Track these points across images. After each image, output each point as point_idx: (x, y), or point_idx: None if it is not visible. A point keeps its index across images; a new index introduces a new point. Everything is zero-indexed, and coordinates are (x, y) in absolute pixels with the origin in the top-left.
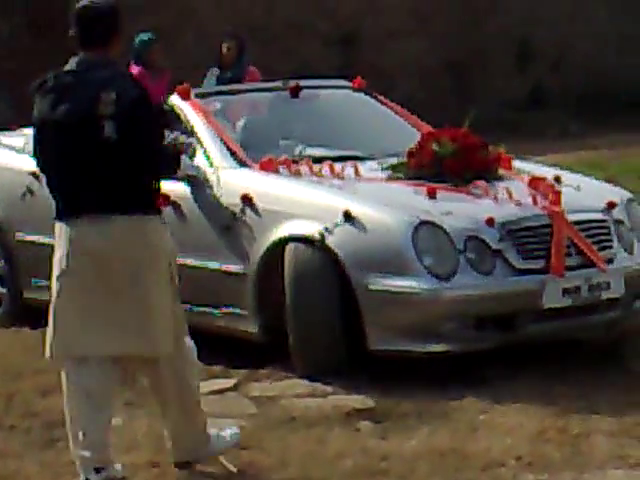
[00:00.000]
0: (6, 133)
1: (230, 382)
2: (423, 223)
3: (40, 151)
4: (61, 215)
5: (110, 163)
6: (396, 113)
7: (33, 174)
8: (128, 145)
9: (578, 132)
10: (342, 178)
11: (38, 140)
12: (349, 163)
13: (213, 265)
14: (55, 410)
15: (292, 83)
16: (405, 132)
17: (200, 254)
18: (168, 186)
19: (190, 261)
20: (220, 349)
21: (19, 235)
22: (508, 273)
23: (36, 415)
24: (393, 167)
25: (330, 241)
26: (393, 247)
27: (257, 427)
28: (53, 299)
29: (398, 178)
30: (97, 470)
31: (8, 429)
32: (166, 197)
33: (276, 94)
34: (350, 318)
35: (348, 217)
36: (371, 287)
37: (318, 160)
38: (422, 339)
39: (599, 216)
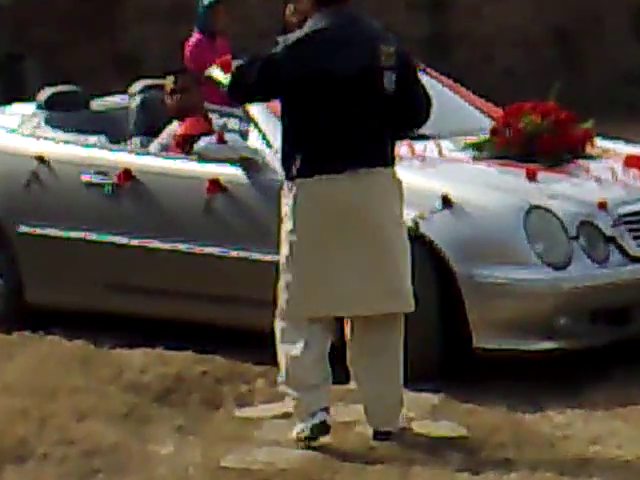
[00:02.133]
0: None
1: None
2: (534, 208)
3: (298, 106)
4: (308, 172)
5: (384, 115)
6: (449, 88)
7: (39, 158)
8: (403, 97)
9: None
10: (424, 159)
11: (297, 95)
12: (430, 142)
13: (267, 257)
14: (94, 436)
15: None
16: (463, 109)
17: (260, 245)
18: (217, 170)
19: (242, 253)
20: None
21: (22, 228)
22: (623, 261)
23: (72, 442)
24: (475, 146)
25: (426, 229)
26: (502, 234)
27: (329, 459)
28: (289, 260)
29: (484, 158)
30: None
31: (40, 457)
32: (215, 182)
33: None
34: (448, 316)
35: (447, 202)
36: (477, 279)
37: None
38: (533, 335)
39: None
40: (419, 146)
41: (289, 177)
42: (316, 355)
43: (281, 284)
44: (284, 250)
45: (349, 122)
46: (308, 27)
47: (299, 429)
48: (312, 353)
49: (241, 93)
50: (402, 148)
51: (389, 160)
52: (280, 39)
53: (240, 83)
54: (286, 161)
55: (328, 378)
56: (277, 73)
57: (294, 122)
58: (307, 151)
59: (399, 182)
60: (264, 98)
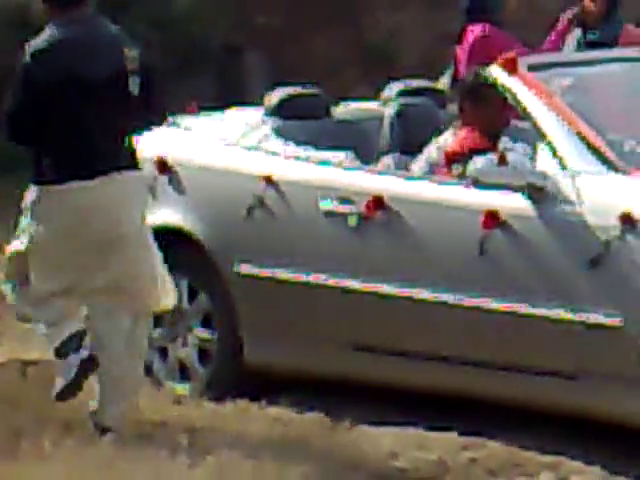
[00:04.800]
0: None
1: None
2: None
3: (45, 112)
4: (57, 178)
5: (130, 119)
6: None
7: (267, 179)
8: (144, 100)
9: None
10: None
11: (45, 100)
12: None
13: (572, 316)
14: None
15: None
16: None
17: (550, 300)
18: (495, 199)
19: (529, 309)
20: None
21: (242, 268)
22: None
23: None
24: None
25: None
26: None
27: None
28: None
29: None
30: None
31: None
32: (493, 215)
33: (632, 66)
34: None
35: None
36: None
37: None
38: None
39: None
40: None
41: (38, 182)
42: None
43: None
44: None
45: (98, 127)
46: (49, 35)
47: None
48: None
49: (16, 130)
50: None
51: (137, 163)
52: (27, 48)
53: (10, 120)
54: (36, 167)
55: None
56: (29, 89)
57: (48, 131)
58: (57, 157)
59: (147, 184)
60: (35, 120)
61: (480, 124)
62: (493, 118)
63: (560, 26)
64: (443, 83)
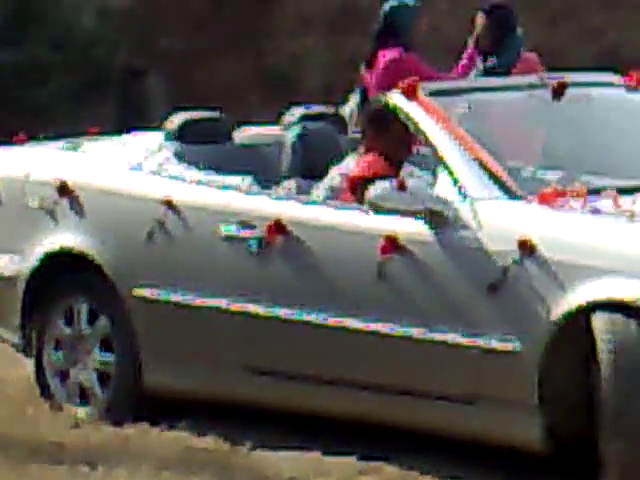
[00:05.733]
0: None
1: None
2: None
3: None
4: None
5: None
6: None
7: (167, 203)
8: None
9: None
10: (632, 216)
11: None
12: None
13: (469, 341)
14: None
15: (554, 78)
16: None
17: (449, 325)
18: (394, 224)
19: (427, 334)
20: (475, 462)
21: (141, 292)
22: None
23: None
24: None
25: None
26: None
27: None
28: None
29: None
30: None
31: None
32: (392, 240)
33: (529, 93)
34: None
35: None
36: None
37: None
38: None
39: None
40: (627, 200)
41: None
42: None
43: None
44: None
45: None
46: None
47: None
48: None
49: None
50: (638, 202)
51: None
52: None
53: None
54: None
55: None
56: None
57: None
58: None
59: None
60: None
61: (382, 150)
62: (395, 145)
63: (470, 49)
64: (347, 109)
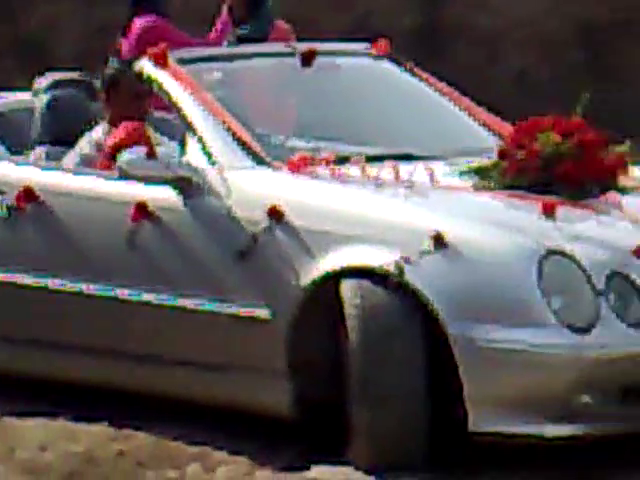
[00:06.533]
0: None
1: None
2: (550, 253)
3: None
4: None
5: None
6: (445, 95)
7: None
8: None
9: None
10: (411, 186)
11: None
12: (419, 165)
13: (220, 309)
14: None
15: (304, 47)
16: (462, 124)
17: (199, 293)
18: (144, 192)
19: (185, 302)
20: (225, 429)
21: None
22: None
23: None
24: (478, 172)
25: (412, 277)
26: (509, 286)
27: None
28: None
29: (488, 187)
30: None
31: None
32: (142, 207)
33: (280, 61)
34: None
35: (439, 243)
36: (476, 342)
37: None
38: (547, 417)
39: None
40: (405, 169)
41: None
42: None
43: None
44: None
45: None
46: None
47: None
48: None
49: None
50: (383, 170)
51: None
52: None
53: None
54: None
55: None
56: None
57: None
58: None
59: None
60: None
61: (119, 111)
62: (128, 100)
63: (223, 18)
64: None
